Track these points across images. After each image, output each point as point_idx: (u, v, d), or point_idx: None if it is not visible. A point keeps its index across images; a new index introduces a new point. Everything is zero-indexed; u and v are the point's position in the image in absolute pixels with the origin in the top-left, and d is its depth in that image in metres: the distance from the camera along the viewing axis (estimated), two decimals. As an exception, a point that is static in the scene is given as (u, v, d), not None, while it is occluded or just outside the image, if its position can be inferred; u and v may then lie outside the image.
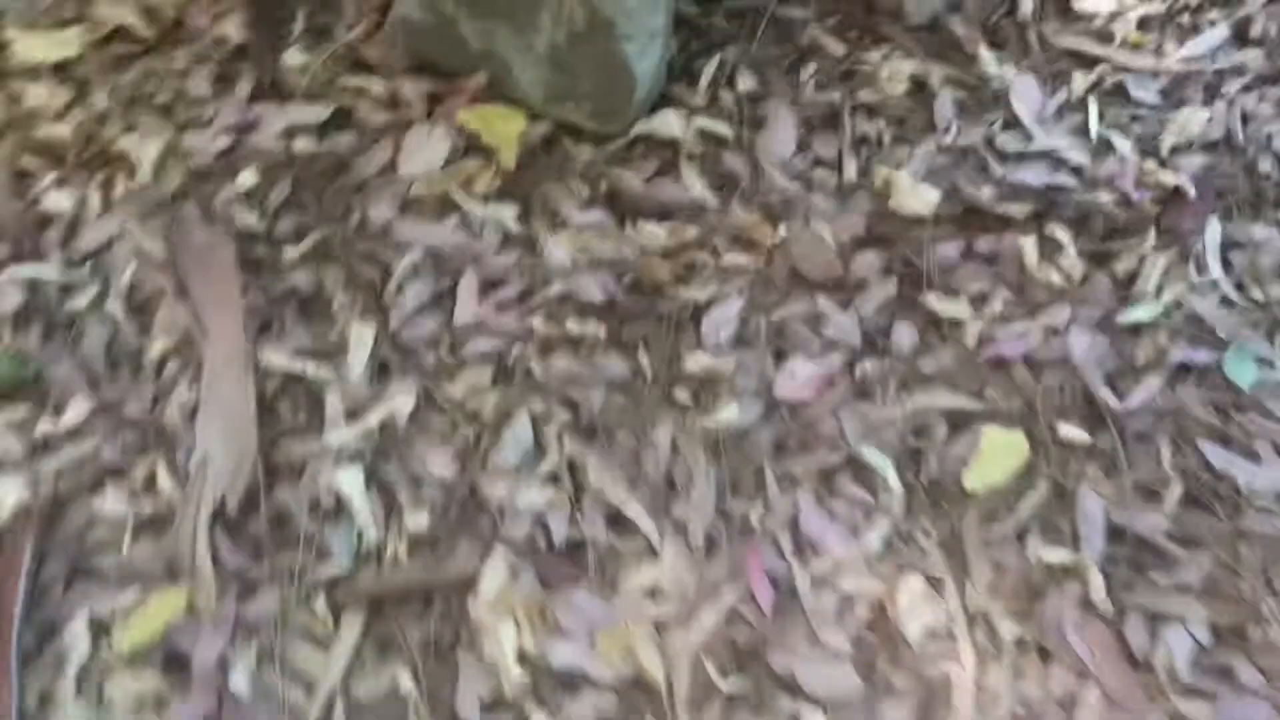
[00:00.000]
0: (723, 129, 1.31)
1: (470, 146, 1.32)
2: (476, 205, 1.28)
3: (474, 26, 1.32)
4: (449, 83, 1.37)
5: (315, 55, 1.41)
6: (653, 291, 1.21)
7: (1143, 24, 1.39)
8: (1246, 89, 1.33)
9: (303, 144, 1.33)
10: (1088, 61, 1.36)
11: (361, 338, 1.19)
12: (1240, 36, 1.38)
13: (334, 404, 1.15)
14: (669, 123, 1.31)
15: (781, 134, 1.30)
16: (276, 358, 1.17)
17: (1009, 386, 1.13)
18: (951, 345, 1.16)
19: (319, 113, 1.36)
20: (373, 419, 1.13)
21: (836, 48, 1.38)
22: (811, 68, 1.36)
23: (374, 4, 1.44)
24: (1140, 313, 1.16)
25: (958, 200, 1.24)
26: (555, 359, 1.17)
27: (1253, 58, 1.36)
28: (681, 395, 1.14)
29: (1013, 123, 1.31)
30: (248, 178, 1.31)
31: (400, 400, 1.15)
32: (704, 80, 1.35)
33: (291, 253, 1.24)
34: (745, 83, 1.35)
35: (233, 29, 1.43)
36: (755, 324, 1.18)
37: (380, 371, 1.17)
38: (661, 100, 1.33)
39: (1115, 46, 1.37)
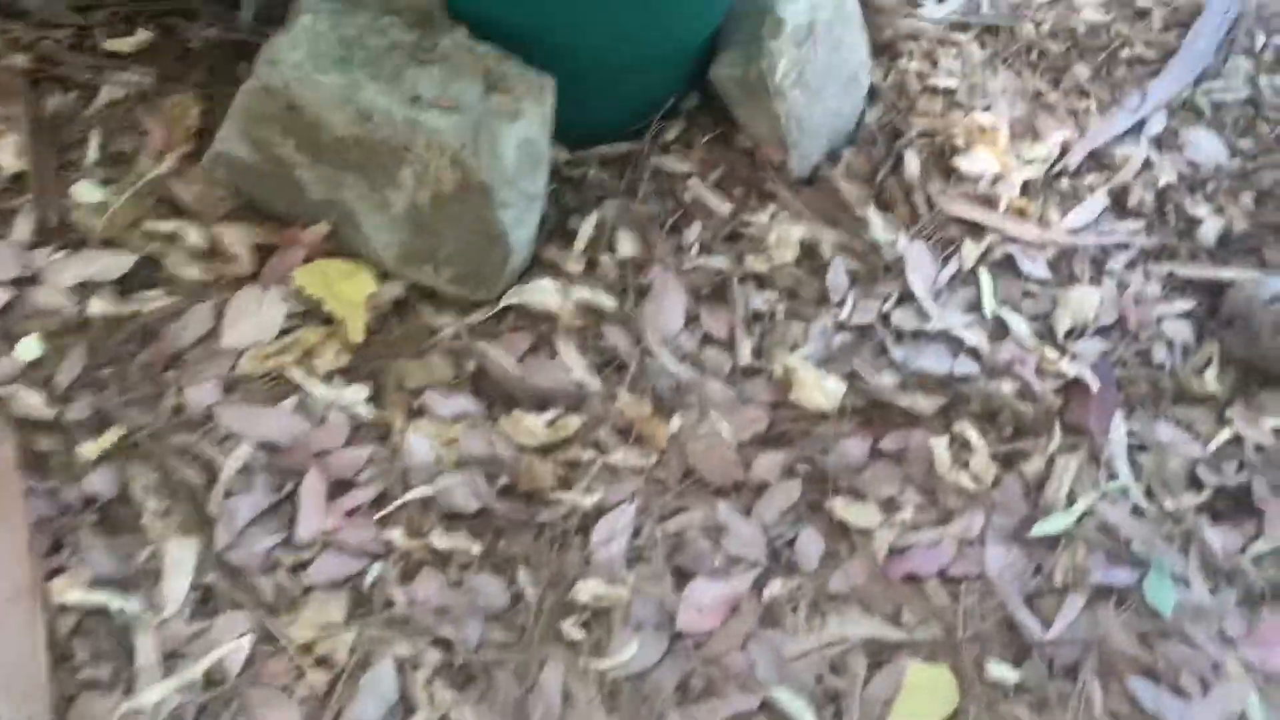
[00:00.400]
0: (604, 300, 1.17)
1: (309, 312, 1.13)
2: (319, 386, 1.09)
3: (316, 174, 1.14)
4: (282, 231, 1.18)
5: (114, 190, 1.19)
6: (532, 497, 1.06)
7: (1026, 189, 1.35)
8: (1131, 264, 1.31)
9: (100, 304, 1.10)
10: (976, 230, 1.30)
11: (180, 560, 0.99)
12: (1119, 204, 1.36)
13: (146, 648, 0.94)
14: (544, 292, 1.16)
15: (668, 307, 1.18)
16: (72, 589, 0.95)
17: (926, 609, 1.04)
18: (861, 558, 1.06)
19: (120, 263, 1.14)
20: (196, 668, 0.93)
21: (721, 205, 1.27)
22: (696, 228, 1.24)
23: (187, 129, 1.23)
24: (1054, 524, 1.09)
25: (860, 392, 1.15)
26: (421, 583, 1.00)
27: (1134, 229, 1.34)
28: (571, 630, 0.99)
29: (907, 296, 1.24)
30: (29, 347, 1.07)
31: (230, 642, 0.95)
32: (580, 242, 1.21)
33: (89, 448, 1.02)
34: (625, 245, 1.21)
35: (7, 154, 1.18)
36: (650, 536, 1.05)
37: (204, 603, 0.97)
38: (534, 264, 1.18)
39: (1001, 213, 1.31)
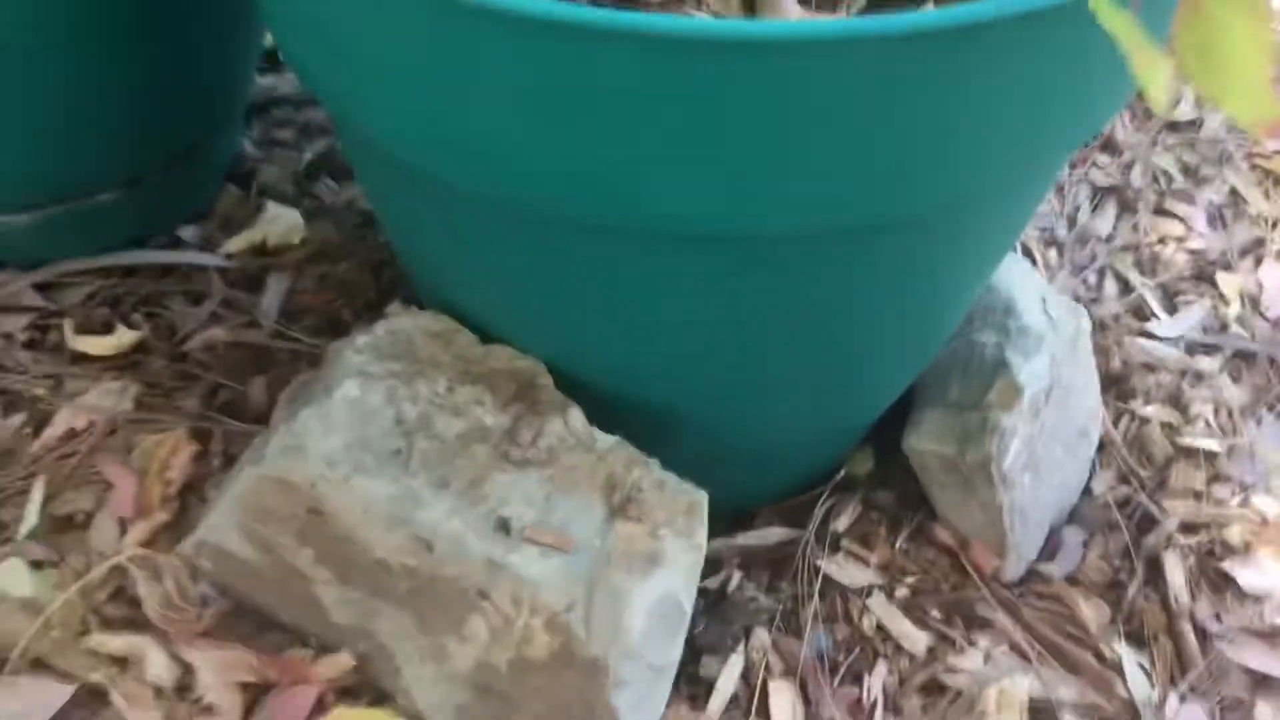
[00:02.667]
0: (751, 806, 0.78)
1: (318, 806, 0.75)
2: None
3: (341, 595, 0.77)
4: (283, 662, 0.80)
5: (54, 580, 0.82)
6: None
7: (1329, 616, 0.96)
8: None
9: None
10: (1270, 686, 0.91)
11: None
12: None
13: None
14: (665, 793, 0.77)
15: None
16: None
17: None
18: None
19: (48, 698, 0.76)
20: None
21: (915, 639, 0.89)
22: (880, 674, 0.86)
23: (167, 483, 0.87)
24: None
25: None
26: None
27: None
28: None
29: (1187, 800, 0.84)
30: None
31: None
32: (717, 701, 0.82)
33: None
34: (780, 707, 0.83)
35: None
36: None
37: None
38: (650, 739, 0.80)
39: (1302, 659, 0.93)
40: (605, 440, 0.75)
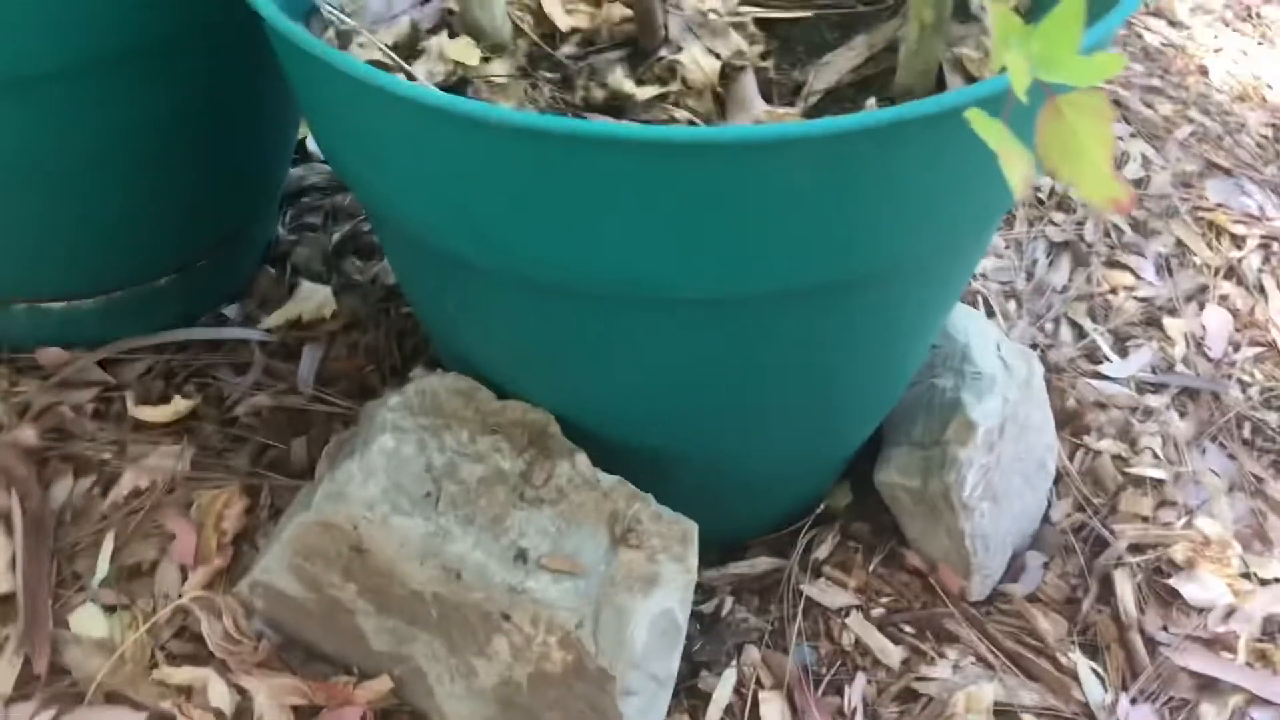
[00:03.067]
0: (747, 803, 0.88)
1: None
2: None
3: (380, 624, 0.88)
4: (330, 686, 0.91)
5: (126, 620, 0.93)
6: None
7: (1267, 626, 1.06)
8: None
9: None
10: (1212, 687, 1.01)
11: None
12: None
13: None
14: (670, 792, 0.87)
15: (831, 812, 0.89)
16: None
17: None
18: None
19: (123, 724, 0.87)
20: None
21: (890, 652, 0.99)
22: (860, 684, 0.97)
23: (222, 534, 0.98)
24: None
25: None
26: None
27: None
28: None
29: (1138, 793, 0.94)
30: None
31: None
32: (715, 710, 0.93)
33: None
34: (772, 715, 0.93)
35: (-3, 568, 0.94)
36: None
37: None
38: (655, 744, 0.91)
39: (1242, 664, 1.03)
40: (608, 480, 0.86)
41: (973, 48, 0.86)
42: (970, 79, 0.84)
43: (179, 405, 1.07)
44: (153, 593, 0.95)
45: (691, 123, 0.84)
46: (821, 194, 0.68)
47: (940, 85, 0.85)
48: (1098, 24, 0.66)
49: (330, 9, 0.87)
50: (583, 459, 0.87)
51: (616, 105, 0.85)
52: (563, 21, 0.92)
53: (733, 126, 0.79)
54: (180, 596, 0.95)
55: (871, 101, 0.83)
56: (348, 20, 0.86)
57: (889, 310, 0.85)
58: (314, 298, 1.18)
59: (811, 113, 0.85)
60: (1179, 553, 1.09)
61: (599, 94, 0.85)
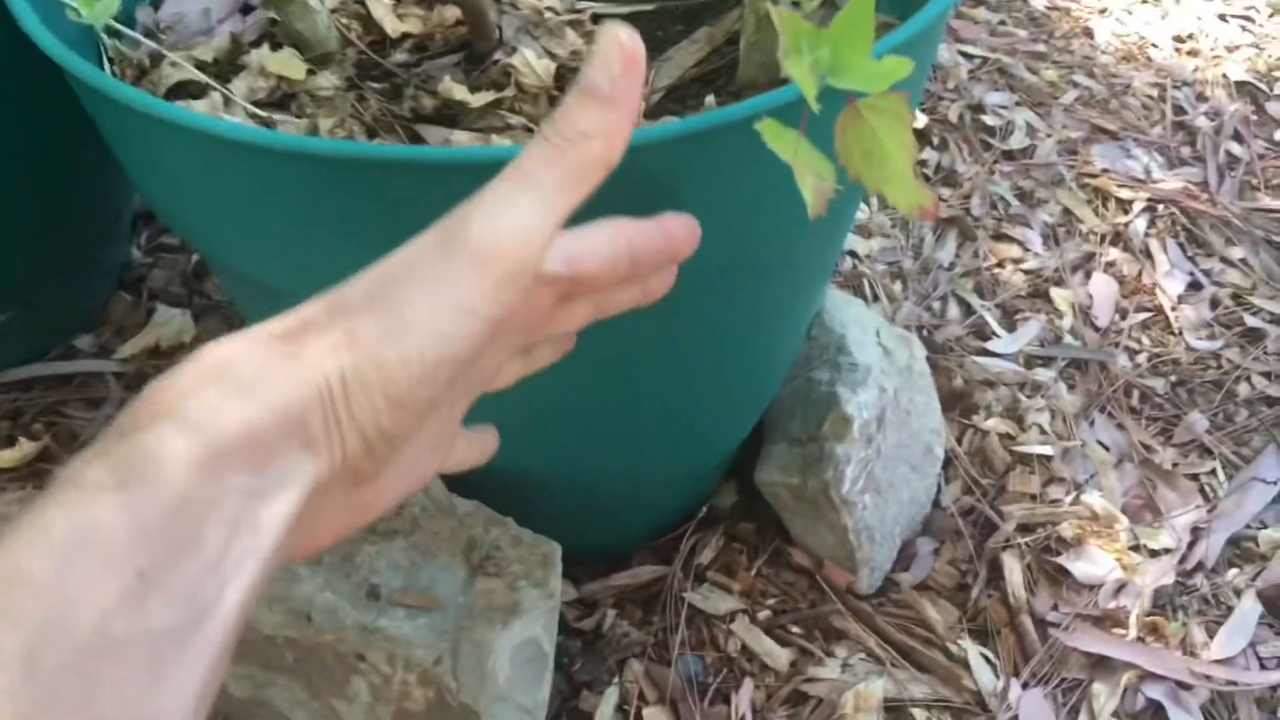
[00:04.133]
0: (631, 825, 0.86)
1: None
2: None
3: (237, 669, 0.84)
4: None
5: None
6: None
7: (1157, 598, 1.06)
8: (1308, 708, 1.01)
9: None
10: (1105, 666, 1.01)
11: None
12: (1276, 610, 1.07)
13: None
14: (550, 821, 0.85)
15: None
16: None
17: None
18: None
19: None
20: None
21: (778, 655, 0.97)
22: (747, 691, 0.94)
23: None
24: None
25: None
26: None
27: (1300, 651, 1.04)
28: None
29: (1031, 780, 0.93)
30: None
31: None
32: (597, 729, 0.90)
33: None
34: (657, 729, 0.91)
35: None
36: None
37: None
38: (535, 771, 0.88)
39: (1133, 639, 1.02)
40: (465, 505, 0.83)
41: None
42: (811, 69, 0.81)
43: (25, 448, 1.01)
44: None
45: (527, 129, 0.81)
46: (663, 196, 0.64)
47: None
48: (914, 16, 0.63)
49: (132, 31, 0.82)
50: (436, 484, 0.83)
51: (449, 114, 0.81)
52: (392, 27, 0.87)
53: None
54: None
55: (710, 99, 0.80)
56: (150, 40, 0.81)
57: (746, 308, 0.82)
58: (172, 323, 1.13)
59: (654, 112, 0.82)
60: (1067, 530, 1.09)
61: (429, 103, 0.81)
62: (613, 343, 0.77)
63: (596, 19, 0.88)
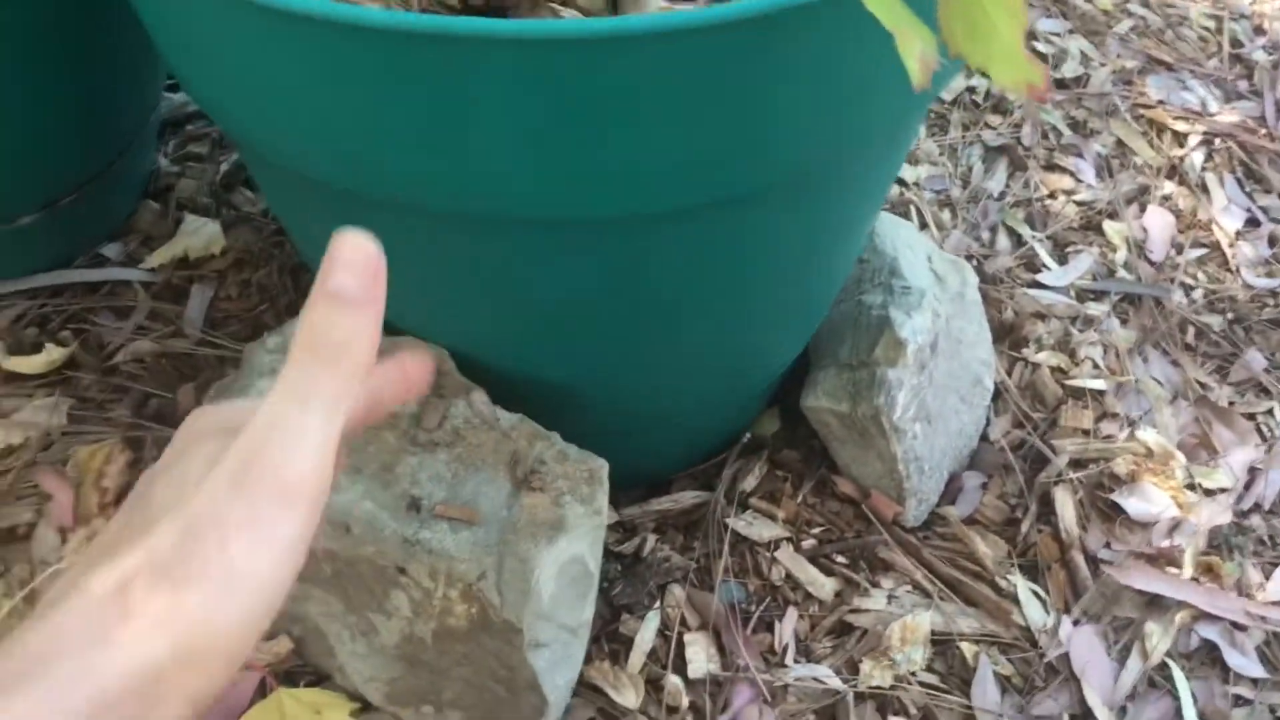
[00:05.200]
0: (673, 752, 0.84)
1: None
2: None
3: (273, 583, 0.81)
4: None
5: (1, 592, 0.86)
6: None
7: (1213, 538, 1.03)
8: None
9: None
10: (1158, 605, 0.98)
11: None
12: (1330, 554, 1.04)
13: None
14: (591, 744, 0.82)
15: (762, 756, 0.85)
16: None
17: None
18: None
19: None
20: None
21: (823, 585, 0.94)
22: (791, 620, 0.92)
23: (103, 492, 0.91)
24: None
25: None
26: None
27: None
28: None
29: (1081, 715, 0.91)
30: None
31: None
32: (637, 655, 0.88)
33: None
34: (697, 656, 0.89)
35: None
36: None
37: None
38: (578, 685, 0.86)
39: (1187, 578, 0.99)
40: (509, 418, 0.80)
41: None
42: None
43: (53, 354, 0.98)
44: (30, 558, 0.88)
45: (582, 23, 0.77)
46: (711, 97, 0.60)
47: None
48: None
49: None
50: (480, 396, 0.80)
51: (498, 5, 0.77)
52: (440, -85, 0.83)
53: (598, 19, 0.71)
54: (59, 562, 0.88)
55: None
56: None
57: (801, 224, 0.78)
58: (201, 233, 1.10)
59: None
60: (1121, 466, 1.05)
61: (479, -6, 0.77)
62: (676, 256, 0.74)
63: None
